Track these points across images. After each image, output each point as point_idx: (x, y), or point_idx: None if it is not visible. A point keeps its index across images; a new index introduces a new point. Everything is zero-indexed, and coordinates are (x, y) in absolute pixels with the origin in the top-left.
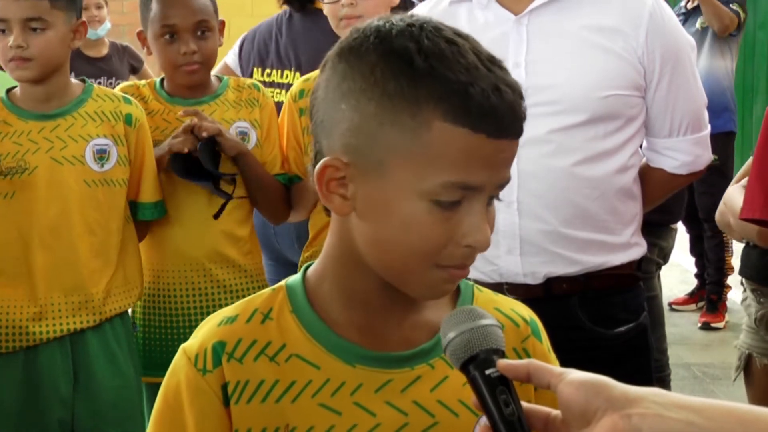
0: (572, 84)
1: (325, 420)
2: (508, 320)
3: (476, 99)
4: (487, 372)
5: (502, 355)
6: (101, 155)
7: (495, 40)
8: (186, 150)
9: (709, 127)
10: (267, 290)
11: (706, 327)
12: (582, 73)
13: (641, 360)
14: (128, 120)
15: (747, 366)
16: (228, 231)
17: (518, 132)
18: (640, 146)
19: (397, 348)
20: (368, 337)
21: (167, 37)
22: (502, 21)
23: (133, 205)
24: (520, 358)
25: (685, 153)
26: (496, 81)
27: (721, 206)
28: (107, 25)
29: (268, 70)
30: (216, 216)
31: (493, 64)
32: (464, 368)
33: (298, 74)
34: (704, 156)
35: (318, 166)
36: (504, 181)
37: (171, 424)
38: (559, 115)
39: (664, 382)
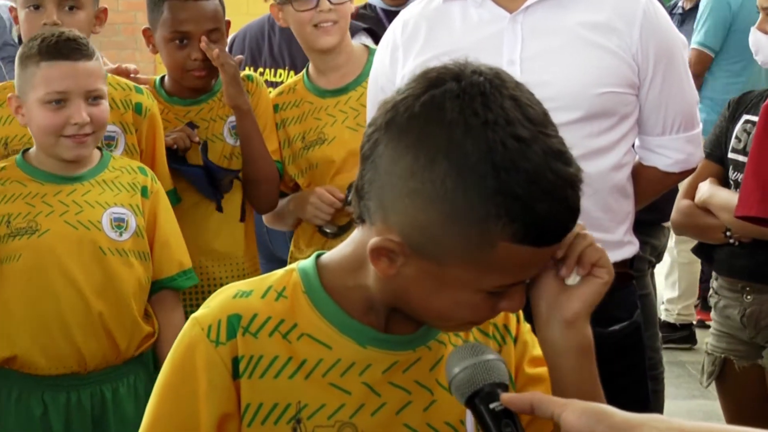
0: (567, 81)
1: (335, 399)
2: None
3: (541, 218)
4: (492, 405)
5: (506, 388)
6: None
7: (489, 38)
8: (175, 146)
9: (701, 125)
10: (279, 271)
11: (701, 324)
12: (577, 71)
13: (635, 358)
14: (138, 109)
15: (721, 371)
16: (224, 227)
17: (571, 228)
18: (633, 145)
19: (402, 331)
20: (377, 320)
21: (178, 41)
22: (497, 19)
23: None
24: (502, 336)
25: (677, 151)
26: (561, 189)
27: (688, 206)
28: None
29: (261, 69)
30: (219, 208)
31: (557, 161)
32: (469, 402)
33: (292, 73)
34: (696, 154)
35: (373, 243)
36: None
37: (182, 394)
38: (554, 112)
39: (657, 380)
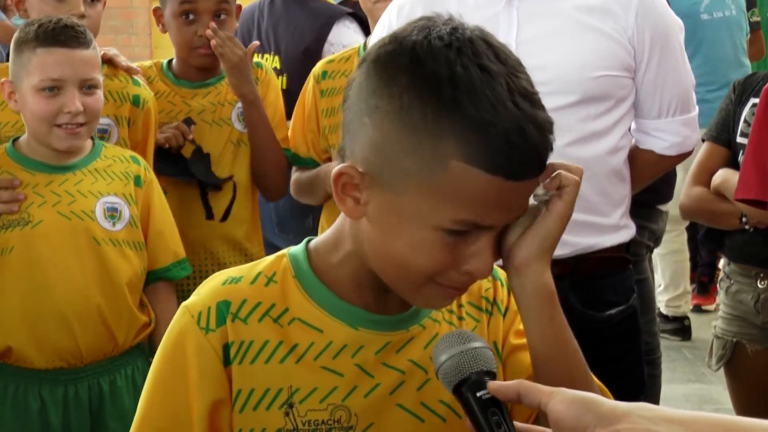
0: (563, 65)
1: (327, 381)
2: None
3: (496, 141)
4: (479, 394)
5: (494, 376)
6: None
7: (485, 22)
8: (167, 145)
9: (697, 108)
10: (270, 257)
11: (697, 309)
12: (573, 54)
13: (631, 343)
14: (136, 101)
15: (732, 355)
16: (232, 215)
17: (539, 171)
18: (629, 128)
19: (394, 311)
20: (370, 302)
21: (185, 17)
22: (493, 2)
23: None
24: (489, 307)
25: (674, 134)
26: (522, 120)
27: (700, 192)
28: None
29: None
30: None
31: (524, 98)
32: (456, 391)
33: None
34: (693, 137)
35: (335, 170)
36: (517, 217)
37: (173, 381)
38: (550, 96)
39: (654, 365)
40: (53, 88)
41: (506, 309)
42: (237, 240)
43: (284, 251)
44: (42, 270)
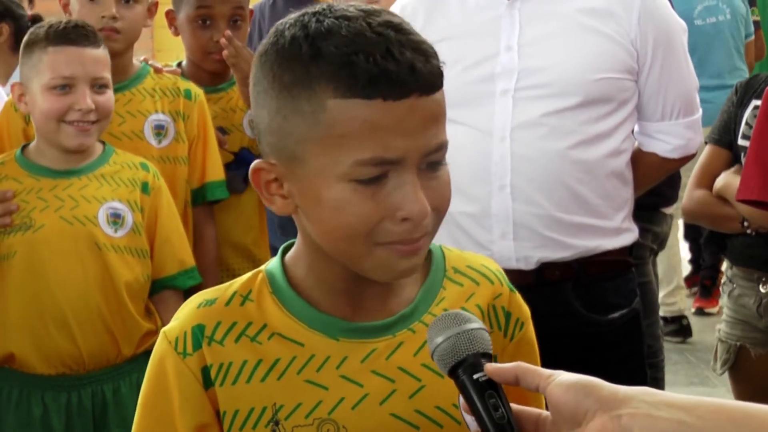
0: (565, 67)
1: (312, 396)
2: (482, 277)
3: (361, 66)
4: (475, 376)
5: (490, 358)
6: (115, 219)
7: (487, 23)
8: None
9: (700, 110)
10: (245, 275)
11: (699, 312)
12: (575, 56)
13: (634, 346)
14: (188, 95)
15: (736, 359)
16: (240, 220)
17: (425, 88)
18: (632, 131)
19: (378, 317)
20: (348, 311)
21: (201, 22)
22: (495, 4)
23: (199, 189)
24: (496, 315)
25: (677, 136)
26: (388, 44)
27: (702, 195)
28: None
29: None
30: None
31: (389, 28)
32: (452, 373)
33: None
34: (696, 139)
35: (250, 171)
36: (434, 146)
37: (158, 408)
38: (552, 98)
39: (657, 368)
40: (64, 86)
41: (514, 330)
42: (245, 246)
43: (261, 267)
44: (43, 274)
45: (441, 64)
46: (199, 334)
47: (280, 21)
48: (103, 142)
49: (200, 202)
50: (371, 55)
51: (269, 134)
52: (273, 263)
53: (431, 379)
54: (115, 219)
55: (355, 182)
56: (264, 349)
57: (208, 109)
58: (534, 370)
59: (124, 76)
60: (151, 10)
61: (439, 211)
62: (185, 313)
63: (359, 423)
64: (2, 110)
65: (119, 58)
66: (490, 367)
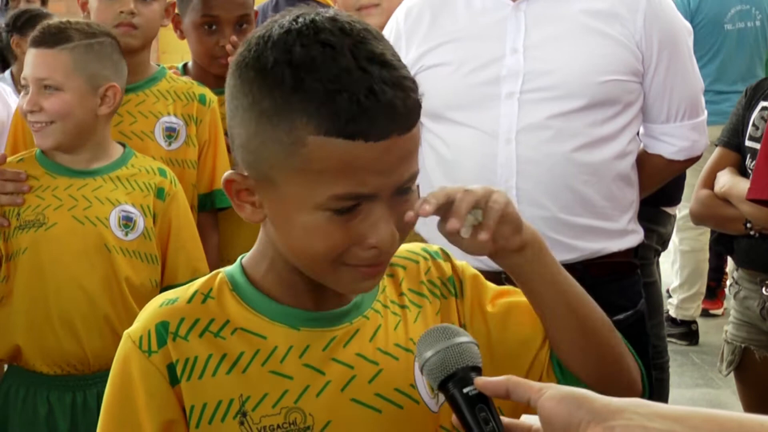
0: (570, 69)
1: (277, 386)
2: (408, 261)
3: (343, 106)
4: (465, 390)
5: (479, 372)
6: (126, 222)
7: (492, 26)
8: None
9: (706, 112)
10: (203, 277)
11: (704, 314)
12: (580, 58)
13: (638, 347)
14: (202, 100)
15: (741, 361)
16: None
17: (405, 127)
18: (638, 133)
19: (334, 306)
20: (308, 301)
21: (207, 27)
22: (500, 6)
23: (207, 195)
24: (437, 286)
25: (682, 138)
26: (372, 81)
27: (707, 197)
28: None
29: None
30: None
31: (371, 63)
32: (443, 387)
33: None
34: (701, 141)
35: (222, 181)
36: (407, 178)
37: (123, 409)
38: (557, 101)
39: (662, 369)
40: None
41: (461, 285)
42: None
43: (219, 270)
44: (52, 272)
45: (419, 96)
46: (163, 330)
47: (262, 28)
48: (124, 145)
49: (207, 209)
50: (354, 95)
51: (245, 151)
52: (231, 267)
53: (388, 363)
54: (127, 222)
55: (330, 211)
56: (227, 344)
57: (220, 116)
58: (525, 383)
59: (139, 77)
60: (168, 11)
61: (405, 232)
62: (148, 313)
63: (324, 410)
64: (15, 115)
65: (136, 56)
66: (480, 380)
